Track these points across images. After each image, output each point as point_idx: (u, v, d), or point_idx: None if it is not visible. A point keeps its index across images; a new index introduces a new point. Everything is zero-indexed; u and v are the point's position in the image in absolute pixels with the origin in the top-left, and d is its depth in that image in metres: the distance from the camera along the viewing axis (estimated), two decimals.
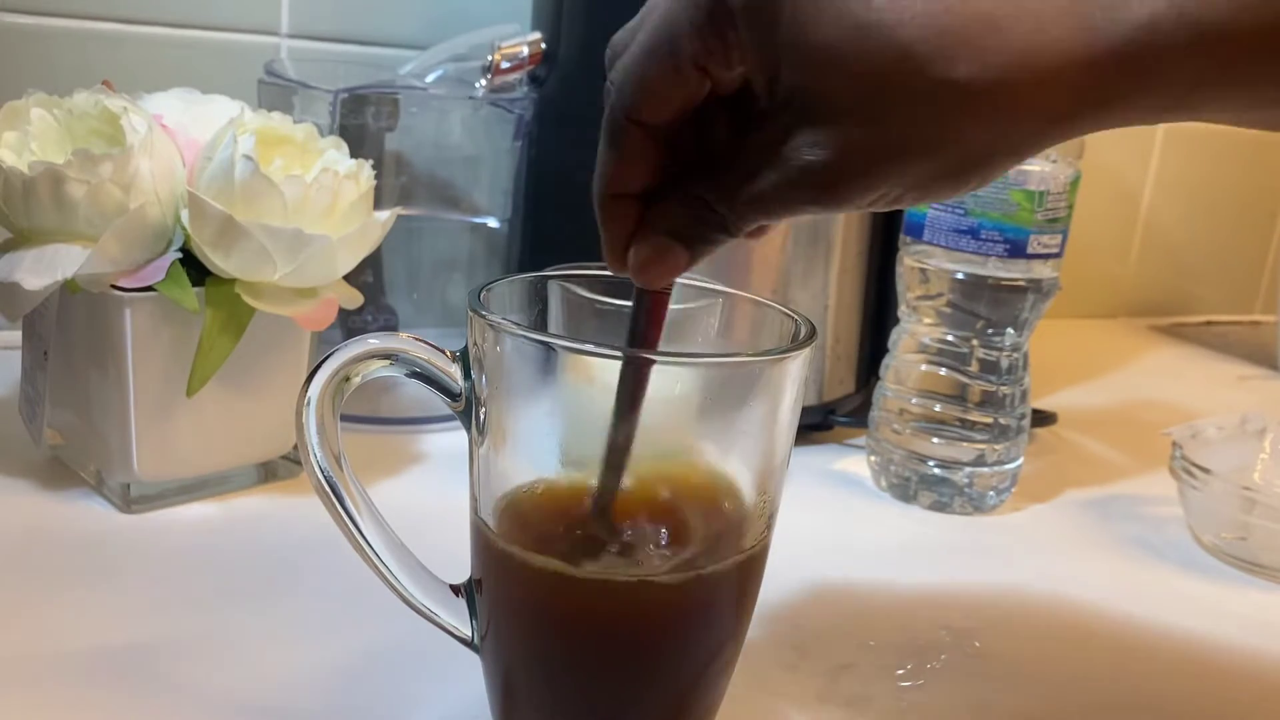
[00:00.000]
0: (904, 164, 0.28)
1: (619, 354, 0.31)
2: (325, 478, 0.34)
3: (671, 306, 0.33)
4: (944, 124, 0.27)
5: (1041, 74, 0.26)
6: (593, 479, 0.33)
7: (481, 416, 0.33)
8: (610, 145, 0.32)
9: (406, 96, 0.64)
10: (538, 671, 0.34)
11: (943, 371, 0.59)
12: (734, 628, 0.35)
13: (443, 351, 0.33)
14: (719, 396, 0.33)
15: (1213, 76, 0.26)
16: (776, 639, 0.44)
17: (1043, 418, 0.72)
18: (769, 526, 0.34)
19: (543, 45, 0.65)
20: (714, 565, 0.32)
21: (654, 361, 0.32)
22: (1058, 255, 0.57)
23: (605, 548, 0.33)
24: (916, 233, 0.58)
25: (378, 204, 0.53)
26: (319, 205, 0.48)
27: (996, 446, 0.58)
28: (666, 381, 0.32)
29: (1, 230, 0.48)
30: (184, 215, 0.47)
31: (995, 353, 0.58)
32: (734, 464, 0.34)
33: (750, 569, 0.34)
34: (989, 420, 0.58)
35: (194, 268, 0.48)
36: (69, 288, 0.46)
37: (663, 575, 0.32)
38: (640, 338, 0.33)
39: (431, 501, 0.51)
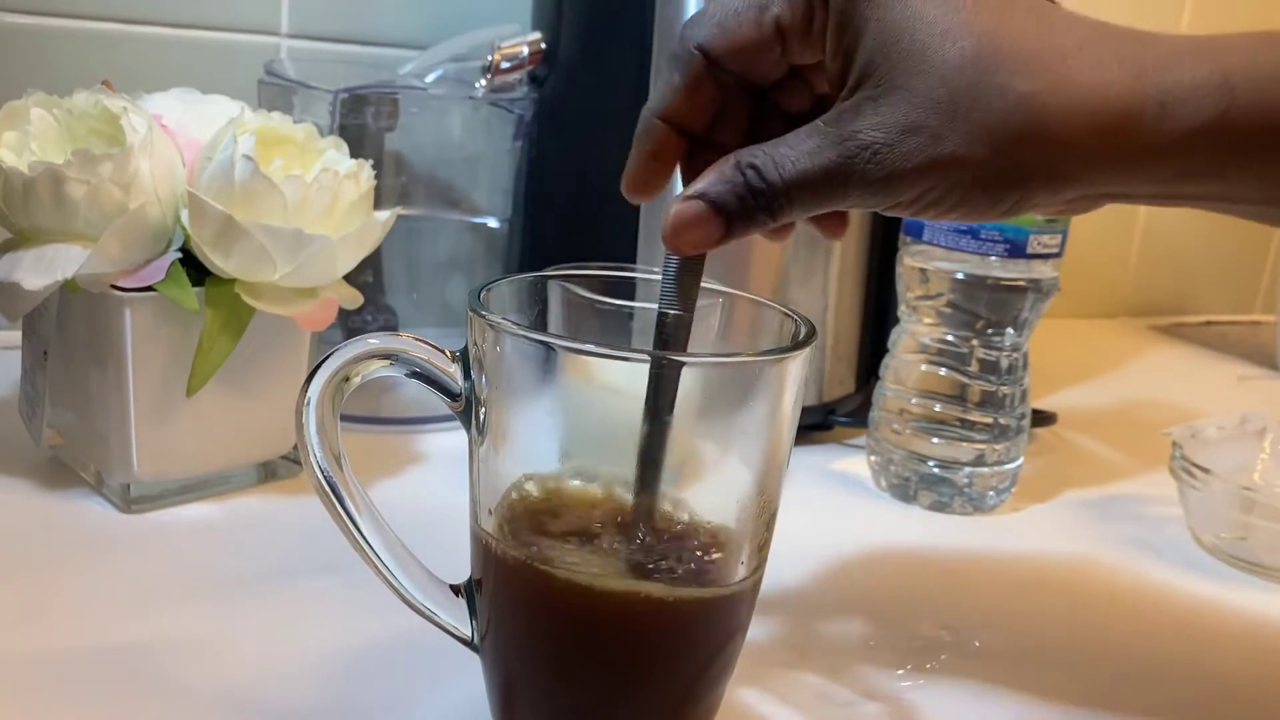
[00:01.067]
0: (960, 161, 0.30)
1: (619, 354, 0.31)
2: (325, 478, 0.34)
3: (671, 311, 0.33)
4: (1003, 134, 0.30)
5: (1093, 113, 0.29)
6: (593, 480, 0.33)
7: (481, 416, 0.33)
8: (675, 70, 0.34)
9: (406, 96, 0.64)
10: (538, 671, 0.34)
11: (943, 371, 0.59)
12: (735, 629, 0.35)
13: (443, 351, 0.33)
14: (719, 396, 0.33)
15: (1242, 145, 0.29)
16: (776, 639, 0.44)
17: (1043, 418, 0.72)
18: (769, 527, 0.34)
19: (543, 45, 0.65)
20: (716, 576, 0.32)
21: (653, 360, 0.32)
22: (1058, 255, 0.57)
23: (607, 557, 0.33)
24: (916, 233, 0.58)
25: (378, 204, 0.53)
26: (319, 205, 0.48)
27: (996, 446, 0.58)
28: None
29: (1, 230, 0.48)
30: (184, 215, 0.47)
31: (995, 353, 0.58)
32: (734, 464, 0.34)
33: (751, 571, 0.34)
34: (989, 420, 0.58)
35: (194, 268, 0.48)
36: (69, 288, 0.46)
37: (664, 590, 0.32)
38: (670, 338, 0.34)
39: (431, 501, 0.51)
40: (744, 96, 0.35)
